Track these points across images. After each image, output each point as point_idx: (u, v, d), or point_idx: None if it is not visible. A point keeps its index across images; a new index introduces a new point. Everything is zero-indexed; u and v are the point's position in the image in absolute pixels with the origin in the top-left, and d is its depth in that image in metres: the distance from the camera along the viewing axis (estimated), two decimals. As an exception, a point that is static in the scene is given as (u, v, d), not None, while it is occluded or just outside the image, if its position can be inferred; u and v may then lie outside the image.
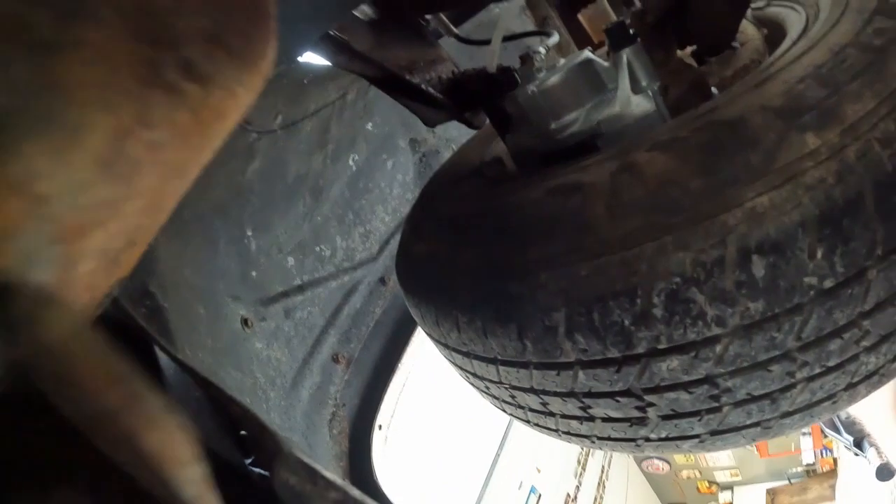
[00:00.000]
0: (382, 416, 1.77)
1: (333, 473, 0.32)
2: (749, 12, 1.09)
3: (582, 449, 5.26)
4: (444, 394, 2.62)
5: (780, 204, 0.62)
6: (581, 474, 5.39)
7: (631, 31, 0.92)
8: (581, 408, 0.79)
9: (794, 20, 1.04)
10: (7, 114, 0.19)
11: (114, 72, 0.22)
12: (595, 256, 0.67)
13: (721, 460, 7.06)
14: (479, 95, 1.10)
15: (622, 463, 6.63)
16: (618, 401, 0.74)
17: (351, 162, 1.76)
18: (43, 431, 0.22)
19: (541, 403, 0.84)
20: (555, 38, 1.23)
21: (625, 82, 0.92)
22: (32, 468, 0.23)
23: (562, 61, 1.03)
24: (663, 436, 0.79)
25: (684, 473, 7.34)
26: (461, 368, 0.97)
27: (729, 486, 7.22)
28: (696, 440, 0.78)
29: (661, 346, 0.66)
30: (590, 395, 0.76)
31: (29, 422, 0.22)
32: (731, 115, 0.71)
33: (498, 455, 3.72)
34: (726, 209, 0.63)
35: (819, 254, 0.62)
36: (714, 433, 0.77)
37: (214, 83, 0.25)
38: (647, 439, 0.81)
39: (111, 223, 0.25)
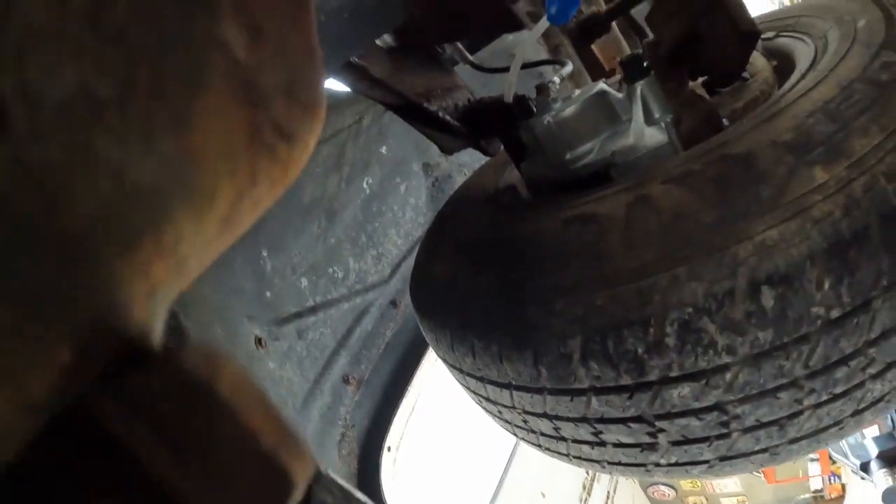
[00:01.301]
0: (392, 438, 1.78)
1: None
2: (759, 43, 1.11)
3: (588, 474, 5.21)
4: (452, 417, 2.62)
5: (790, 237, 0.64)
6: (586, 500, 5.32)
7: (645, 64, 0.94)
8: (593, 433, 0.80)
9: (802, 52, 1.06)
10: (162, 187, 0.21)
11: (231, 139, 0.23)
12: (610, 286, 0.69)
13: (728, 487, 6.95)
14: (495, 124, 1.13)
15: (628, 489, 6.54)
16: (629, 426, 0.76)
17: (365, 185, 1.79)
18: (82, 444, 0.22)
19: (553, 428, 0.85)
20: (569, 68, 1.26)
21: (639, 114, 0.94)
22: (71, 481, 0.22)
23: (576, 92, 1.05)
24: (673, 461, 0.80)
25: (691, 500, 7.23)
26: (474, 393, 0.98)
27: (736, 514, 7.11)
28: (706, 465, 0.80)
29: (672, 374, 0.68)
30: (602, 420, 0.77)
31: (68, 433, 0.22)
32: (742, 150, 0.73)
33: (503, 479, 3.68)
34: (737, 241, 0.65)
35: (826, 285, 0.64)
36: (723, 459, 0.78)
37: (297, 139, 0.26)
38: (658, 464, 0.82)
39: (197, 271, 0.27)
